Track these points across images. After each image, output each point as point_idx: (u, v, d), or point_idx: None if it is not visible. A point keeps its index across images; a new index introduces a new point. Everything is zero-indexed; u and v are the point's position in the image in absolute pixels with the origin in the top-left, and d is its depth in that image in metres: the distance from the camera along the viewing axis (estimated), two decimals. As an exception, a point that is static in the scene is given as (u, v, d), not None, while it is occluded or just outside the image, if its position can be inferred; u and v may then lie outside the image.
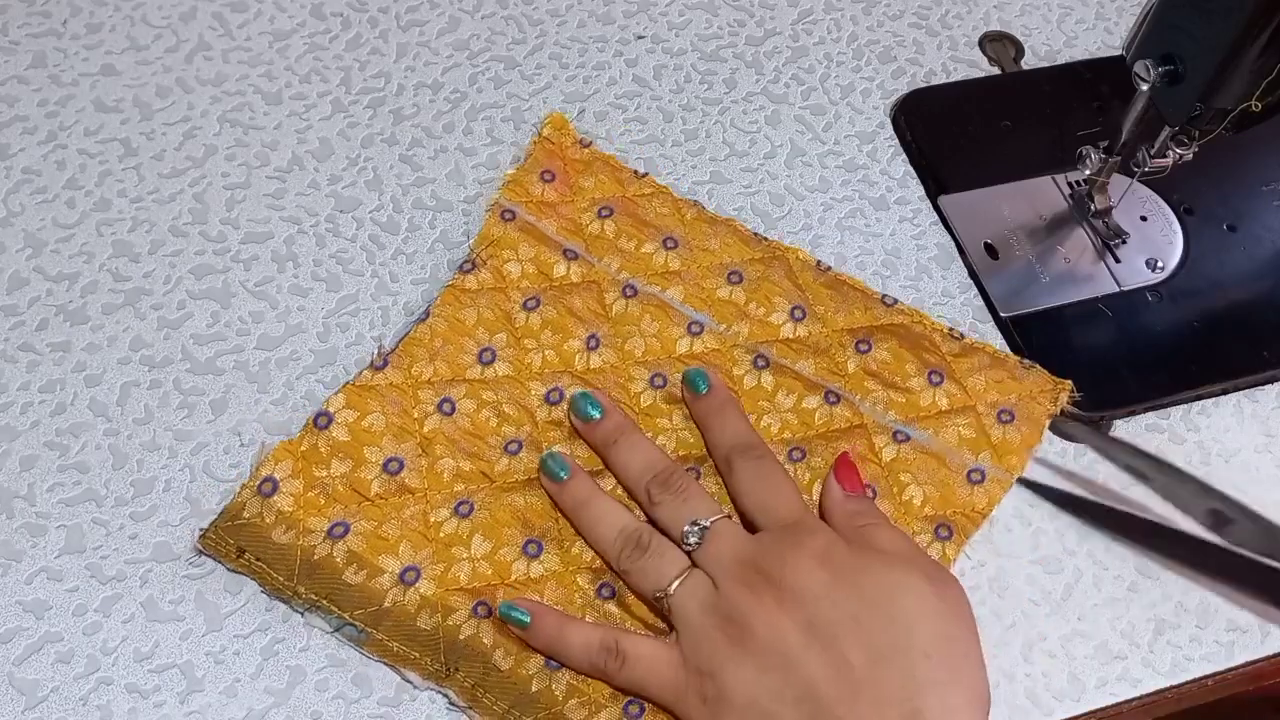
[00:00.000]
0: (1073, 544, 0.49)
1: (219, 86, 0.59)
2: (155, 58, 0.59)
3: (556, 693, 0.43)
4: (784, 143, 0.60)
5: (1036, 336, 0.53)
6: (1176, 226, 0.58)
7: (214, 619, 0.44)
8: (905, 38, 0.65)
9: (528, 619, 0.43)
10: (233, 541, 0.45)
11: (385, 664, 0.43)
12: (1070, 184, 0.58)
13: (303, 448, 0.47)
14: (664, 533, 0.45)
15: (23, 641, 0.43)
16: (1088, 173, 0.55)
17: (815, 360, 0.51)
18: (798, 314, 0.53)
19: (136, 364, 0.50)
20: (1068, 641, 0.47)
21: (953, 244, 0.57)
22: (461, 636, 0.44)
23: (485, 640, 0.44)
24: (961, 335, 0.53)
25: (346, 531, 0.45)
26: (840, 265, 0.55)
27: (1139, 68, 0.49)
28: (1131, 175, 0.54)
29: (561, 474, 0.47)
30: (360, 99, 0.59)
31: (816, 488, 0.48)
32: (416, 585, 0.44)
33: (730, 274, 0.53)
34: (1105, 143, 0.54)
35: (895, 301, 0.53)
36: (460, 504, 0.46)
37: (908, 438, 0.50)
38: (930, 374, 0.51)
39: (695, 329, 0.51)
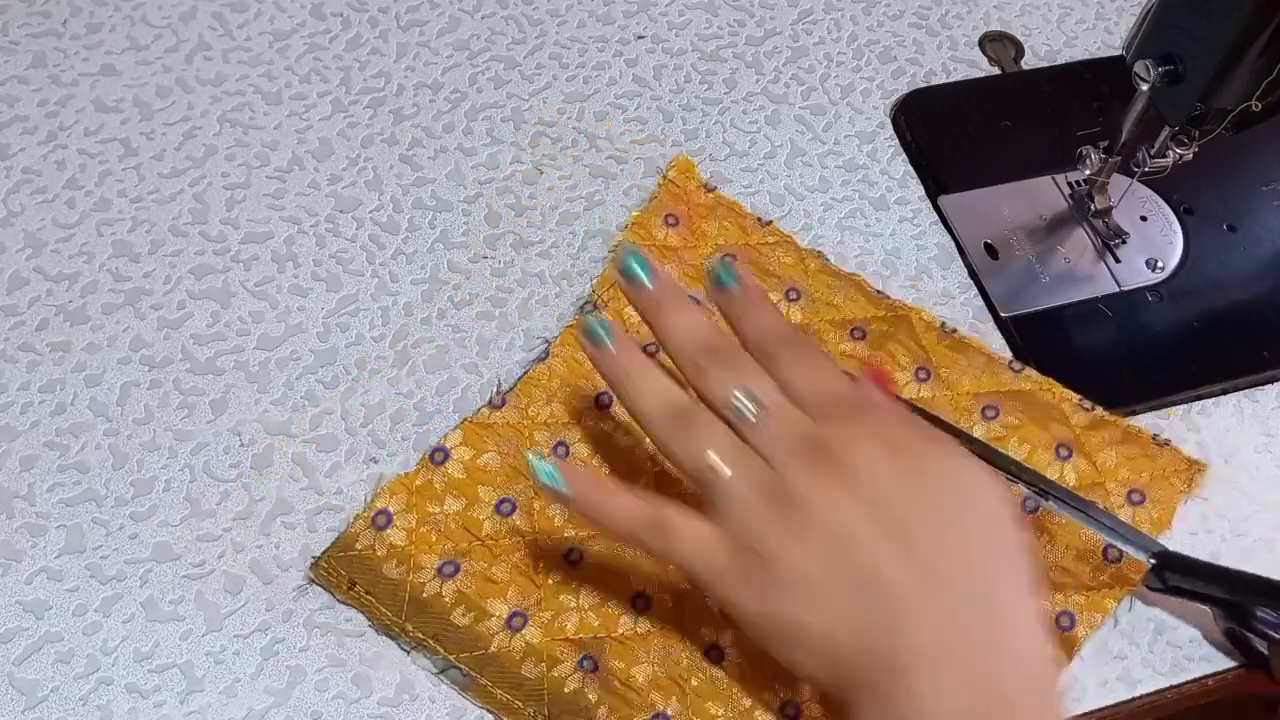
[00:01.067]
0: (1073, 544, 0.49)
1: (219, 86, 0.59)
2: (155, 58, 0.59)
3: None
4: (784, 143, 0.60)
5: (1036, 336, 0.53)
6: (1176, 226, 0.58)
7: (214, 619, 0.44)
8: (905, 38, 0.65)
9: (569, 490, 0.40)
10: (345, 573, 0.45)
11: (489, 711, 0.43)
12: (1070, 184, 0.58)
13: (417, 482, 0.47)
14: (711, 407, 0.41)
15: (23, 641, 0.43)
16: (1088, 173, 0.55)
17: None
18: (922, 375, 0.51)
19: (136, 364, 0.50)
20: (1068, 641, 0.47)
21: (953, 244, 0.57)
22: (567, 690, 0.43)
23: (590, 696, 0.43)
24: (1092, 406, 0.51)
25: (456, 571, 0.45)
26: (840, 265, 0.55)
27: (1139, 68, 0.49)
28: (1131, 175, 0.54)
29: (606, 337, 0.42)
30: (360, 99, 0.59)
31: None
32: (523, 632, 0.44)
33: (854, 330, 0.52)
34: (1105, 143, 0.54)
35: (1022, 368, 0.52)
36: (570, 551, 0.46)
37: (1037, 506, 0.47)
38: (1059, 448, 0.49)
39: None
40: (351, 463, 0.48)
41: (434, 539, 0.46)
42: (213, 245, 0.54)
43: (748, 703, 0.43)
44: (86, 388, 0.49)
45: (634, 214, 0.55)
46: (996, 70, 0.64)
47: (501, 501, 0.47)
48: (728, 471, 0.39)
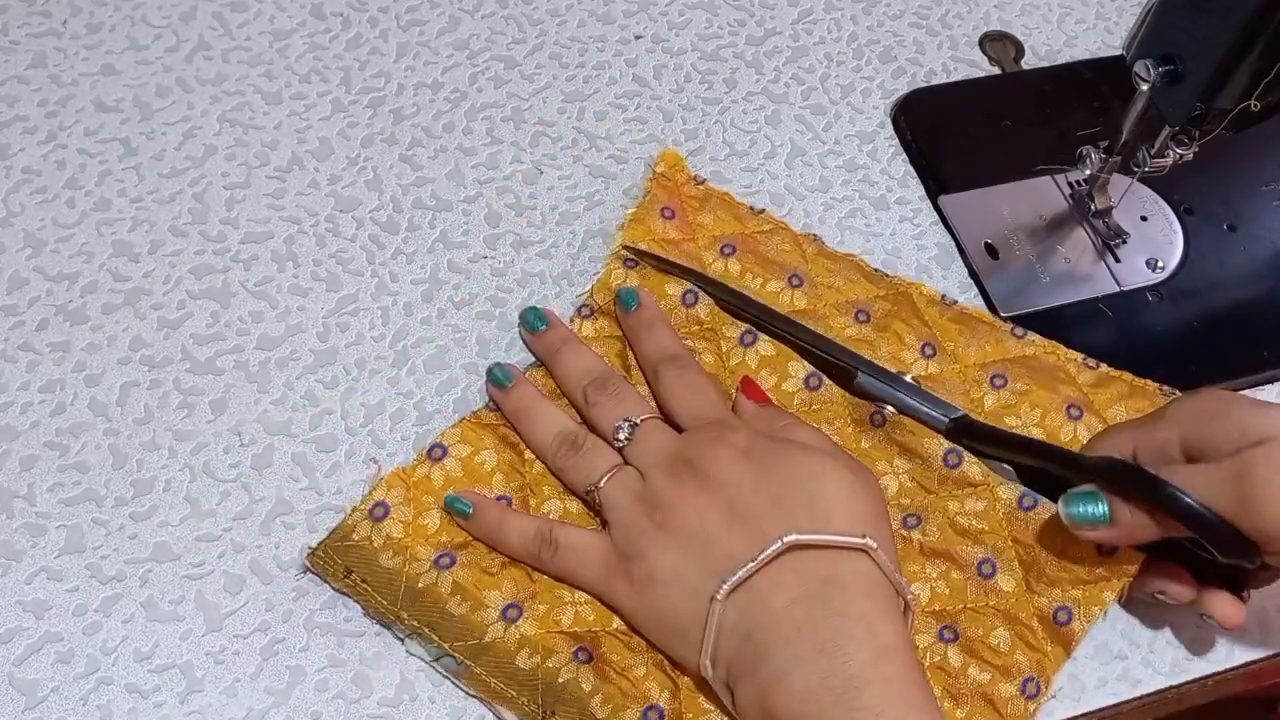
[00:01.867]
0: (1073, 544, 0.49)
1: (219, 86, 0.59)
2: (155, 58, 0.59)
3: None
4: (784, 142, 0.60)
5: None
6: (1176, 226, 0.58)
7: (214, 619, 0.44)
8: (905, 38, 0.65)
9: (470, 509, 0.46)
10: (341, 561, 0.45)
11: (481, 700, 0.43)
12: (1070, 184, 0.58)
13: (415, 476, 0.47)
14: (599, 434, 0.47)
15: (23, 641, 0.43)
16: (1088, 172, 0.55)
17: (948, 398, 0.49)
18: (928, 351, 0.52)
19: (136, 364, 0.50)
20: (1068, 641, 0.47)
21: (953, 244, 0.57)
22: (560, 680, 0.43)
23: (585, 686, 0.43)
24: (1096, 364, 0.51)
25: (453, 563, 0.45)
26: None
27: (1139, 68, 0.49)
28: (1131, 175, 0.54)
29: (505, 381, 0.49)
30: (360, 99, 0.59)
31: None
32: (518, 623, 0.44)
33: (858, 312, 0.53)
34: (1105, 143, 0.54)
35: (1025, 333, 0.52)
36: None
37: (1035, 503, 0.46)
38: (1069, 409, 0.50)
39: (814, 382, 0.50)
40: (351, 463, 0.48)
41: (431, 531, 0.46)
42: (213, 245, 0.54)
43: None
44: (86, 388, 0.49)
45: (630, 211, 0.55)
46: (996, 70, 0.64)
47: (500, 497, 0.47)
48: (607, 486, 0.45)
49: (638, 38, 0.63)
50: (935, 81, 0.63)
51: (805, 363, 0.50)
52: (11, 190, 0.54)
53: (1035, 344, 0.52)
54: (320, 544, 0.45)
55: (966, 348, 0.52)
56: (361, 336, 0.52)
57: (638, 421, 0.47)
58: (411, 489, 0.46)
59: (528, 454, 0.48)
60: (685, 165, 0.57)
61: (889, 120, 0.61)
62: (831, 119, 0.61)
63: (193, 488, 0.47)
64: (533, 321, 0.51)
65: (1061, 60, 0.64)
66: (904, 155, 0.60)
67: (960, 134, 0.60)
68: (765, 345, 0.51)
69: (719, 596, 0.41)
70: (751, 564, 0.41)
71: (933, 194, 0.58)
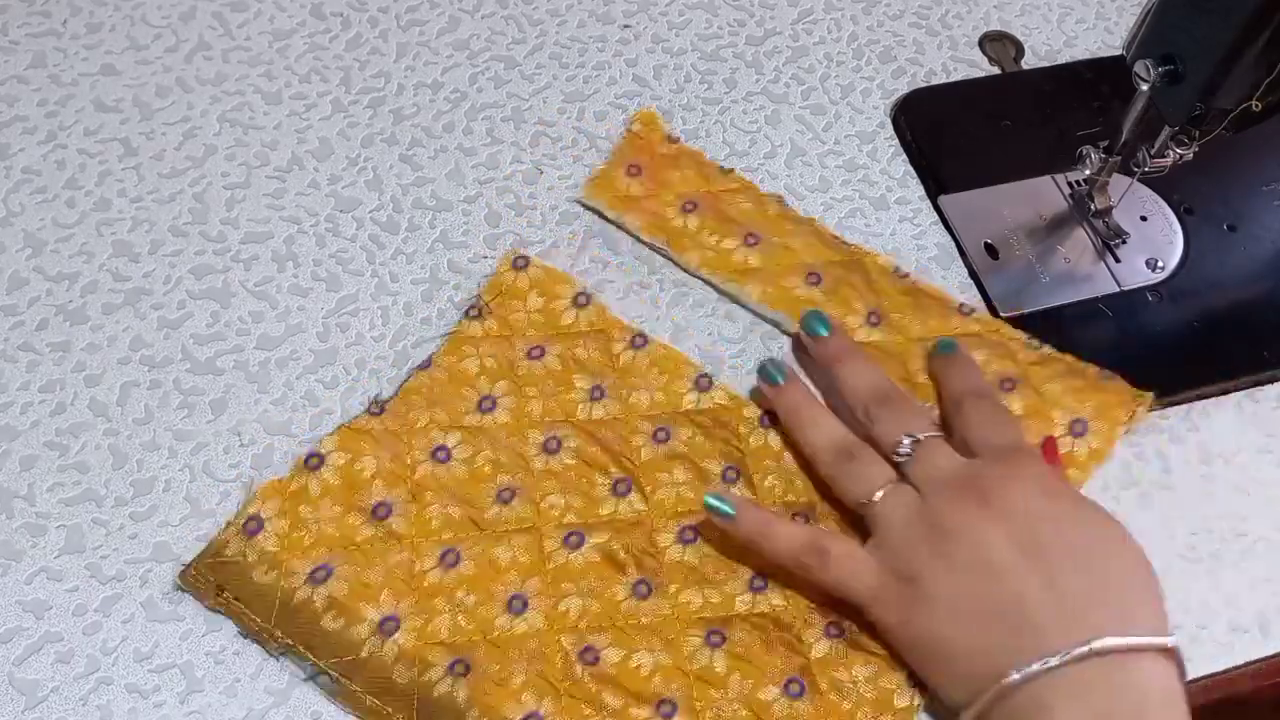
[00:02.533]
0: (1073, 544, 0.49)
1: (219, 86, 0.59)
2: (155, 58, 0.59)
3: None
4: (784, 142, 0.60)
5: (1037, 337, 0.53)
6: (1176, 226, 0.58)
7: (214, 619, 0.44)
8: (905, 38, 0.65)
9: (732, 512, 0.44)
10: (213, 579, 0.44)
11: (356, 717, 0.42)
12: (1070, 184, 0.58)
13: (292, 487, 0.46)
14: (877, 448, 0.46)
15: (23, 641, 0.43)
16: (1088, 173, 0.55)
17: (887, 367, 0.50)
18: (873, 320, 0.52)
19: (136, 364, 0.50)
20: (1068, 641, 0.46)
21: (953, 244, 0.57)
22: (435, 694, 0.42)
23: (459, 698, 0.42)
24: (1040, 344, 0.52)
25: (329, 575, 0.44)
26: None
27: (1139, 68, 0.49)
28: (1131, 175, 0.54)
29: (778, 377, 0.49)
30: (360, 99, 0.59)
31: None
32: (395, 637, 0.43)
33: (809, 275, 0.53)
34: (1105, 143, 0.54)
35: (972, 310, 0.53)
36: (446, 552, 0.45)
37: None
38: (1003, 382, 0.50)
39: (704, 383, 0.50)
40: (351, 463, 0.48)
41: (307, 544, 0.45)
42: (213, 245, 0.54)
43: (619, 703, 0.43)
44: (86, 388, 0.49)
45: (598, 166, 0.55)
46: (996, 70, 0.64)
47: (378, 505, 0.46)
48: (883, 501, 0.44)
49: (625, 26, 0.63)
50: (935, 81, 0.63)
51: (696, 363, 0.51)
52: (11, 190, 0.54)
53: (980, 322, 0.53)
54: (192, 562, 0.45)
55: (912, 320, 0.53)
56: (361, 336, 0.52)
57: (921, 438, 0.45)
58: (287, 500, 0.46)
59: (409, 459, 0.47)
60: (660, 124, 0.58)
61: (889, 120, 0.61)
62: (831, 119, 0.61)
63: (193, 488, 0.47)
64: (813, 326, 0.50)
65: (1061, 60, 0.64)
66: (904, 155, 0.60)
67: (960, 134, 0.60)
68: (657, 347, 0.51)
69: (1007, 680, 0.39)
70: (1053, 661, 0.38)
71: (932, 194, 0.58)
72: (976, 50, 0.65)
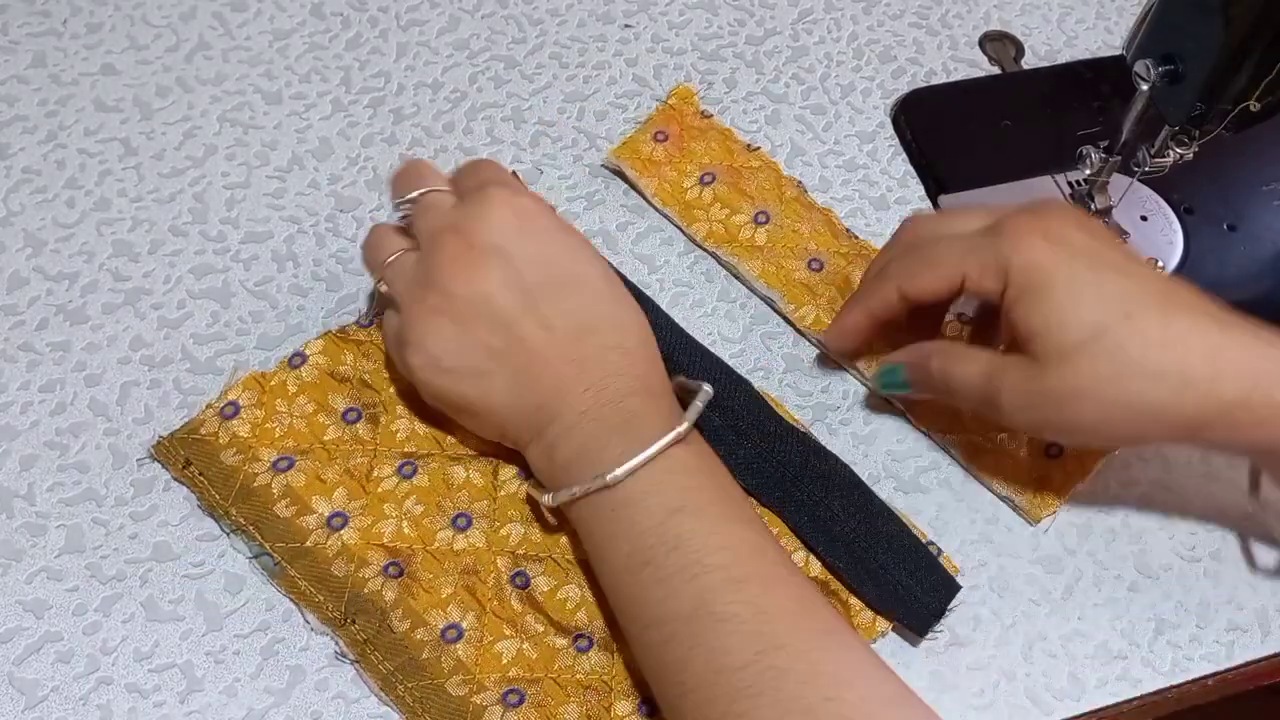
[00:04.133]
0: (1073, 543, 0.49)
1: (219, 86, 0.59)
2: (155, 57, 0.59)
3: (444, 665, 0.43)
4: (784, 142, 0.60)
5: None
6: (1176, 226, 0.58)
7: (214, 619, 0.44)
8: (905, 37, 0.65)
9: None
10: (183, 453, 0.46)
11: (290, 599, 0.44)
12: (1070, 184, 0.58)
13: (272, 382, 0.48)
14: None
15: (23, 641, 0.43)
16: (1088, 172, 0.55)
17: None
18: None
19: (136, 364, 0.50)
20: (1068, 641, 0.47)
21: (953, 244, 0.57)
22: (365, 591, 0.44)
23: (387, 597, 0.44)
24: None
25: (290, 466, 0.46)
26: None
27: (1139, 68, 0.49)
28: (1131, 175, 0.54)
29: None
30: (360, 99, 0.59)
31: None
32: (340, 532, 0.45)
33: (811, 260, 0.54)
34: (1105, 143, 0.54)
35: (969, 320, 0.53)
36: (404, 464, 0.47)
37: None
38: None
39: None
40: (351, 462, 0.48)
41: (277, 435, 0.47)
42: (213, 245, 0.54)
43: (540, 629, 0.44)
44: (86, 388, 0.49)
45: (629, 133, 0.57)
46: (996, 70, 0.64)
47: (349, 410, 0.48)
48: (388, 270, 0.46)
49: (626, 26, 0.63)
50: (935, 81, 0.63)
51: None
52: (11, 190, 0.54)
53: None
54: (167, 435, 0.47)
55: None
56: (361, 336, 0.52)
57: (416, 199, 0.47)
58: (265, 394, 0.48)
59: (389, 373, 0.49)
60: (696, 100, 0.59)
61: (889, 120, 0.61)
62: (831, 119, 0.61)
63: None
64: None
65: (1061, 60, 0.64)
66: (904, 155, 0.60)
67: (960, 134, 0.60)
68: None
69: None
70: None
71: (933, 194, 0.58)
72: (976, 50, 0.65)
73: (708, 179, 0.56)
